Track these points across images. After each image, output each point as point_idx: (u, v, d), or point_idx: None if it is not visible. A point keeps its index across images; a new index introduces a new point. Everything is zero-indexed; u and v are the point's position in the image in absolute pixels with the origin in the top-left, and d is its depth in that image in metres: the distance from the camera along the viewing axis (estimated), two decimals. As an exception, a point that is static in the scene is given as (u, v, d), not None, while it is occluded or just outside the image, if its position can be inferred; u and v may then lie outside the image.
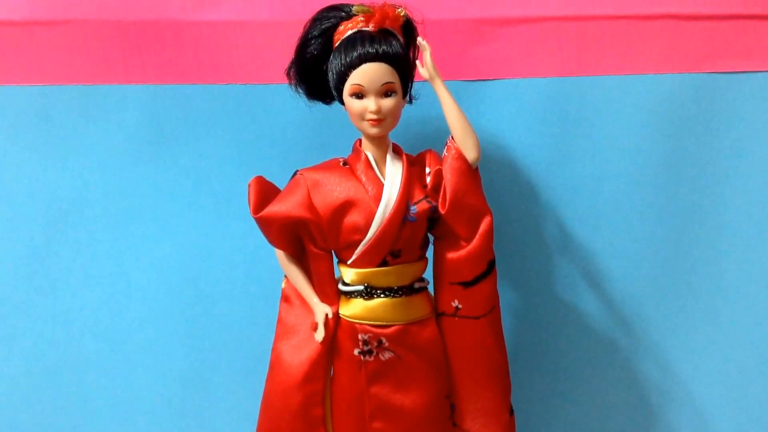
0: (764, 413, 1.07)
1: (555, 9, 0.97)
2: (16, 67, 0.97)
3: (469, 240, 0.83)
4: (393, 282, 0.84)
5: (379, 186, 0.81)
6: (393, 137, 0.85)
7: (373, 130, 0.80)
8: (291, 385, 0.85)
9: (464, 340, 0.86)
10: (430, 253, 0.88)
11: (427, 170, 0.84)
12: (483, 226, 0.83)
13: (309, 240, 0.83)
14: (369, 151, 0.83)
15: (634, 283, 1.04)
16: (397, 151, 0.84)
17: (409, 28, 0.83)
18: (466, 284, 0.84)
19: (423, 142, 0.91)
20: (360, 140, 0.85)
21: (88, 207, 1.02)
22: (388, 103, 0.79)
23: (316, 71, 0.83)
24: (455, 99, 0.82)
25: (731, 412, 1.07)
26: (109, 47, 0.97)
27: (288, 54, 0.84)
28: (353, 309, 0.84)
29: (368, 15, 0.79)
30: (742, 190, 1.01)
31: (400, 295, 0.84)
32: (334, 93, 0.82)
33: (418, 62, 0.83)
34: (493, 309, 0.86)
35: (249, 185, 0.83)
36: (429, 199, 0.83)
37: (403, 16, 0.81)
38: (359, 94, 0.79)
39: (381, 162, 0.83)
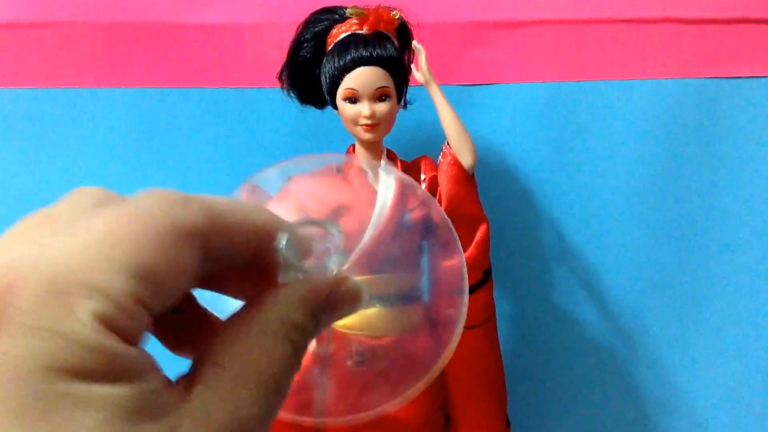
0: (766, 427, 1.06)
1: (553, 12, 0.96)
2: (1, 69, 0.95)
3: (464, 248, 0.82)
4: (388, 289, 0.82)
5: (373, 192, 0.80)
6: (387, 143, 0.84)
7: (367, 136, 0.79)
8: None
9: (459, 350, 0.84)
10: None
11: (422, 177, 0.83)
12: (479, 234, 0.82)
13: (301, 247, 0.82)
14: (362, 156, 0.82)
15: (634, 293, 1.03)
16: (392, 157, 0.83)
17: (404, 31, 0.82)
18: (462, 293, 0.83)
19: (418, 147, 0.90)
20: (353, 145, 0.84)
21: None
22: (382, 107, 0.78)
23: (308, 75, 0.82)
24: (451, 104, 0.81)
25: (731, 425, 1.06)
26: (97, 50, 0.95)
27: (280, 57, 0.82)
28: (347, 319, 0.82)
29: (362, 18, 0.77)
30: (744, 197, 1.00)
31: (396, 304, 0.83)
32: (327, 97, 0.81)
33: (413, 66, 0.82)
34: (489, 319, 0.85)
35: (240, 191, 0.81)
36: (423, 206, 0.82)
37: (398, 18, 0.80)
38: (353, 99, 0.77)
39: (375, 168, 0.82)
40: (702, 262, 1.02)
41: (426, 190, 0.82)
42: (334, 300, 0.24)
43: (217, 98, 0.97)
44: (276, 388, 0.21)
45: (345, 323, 0.82)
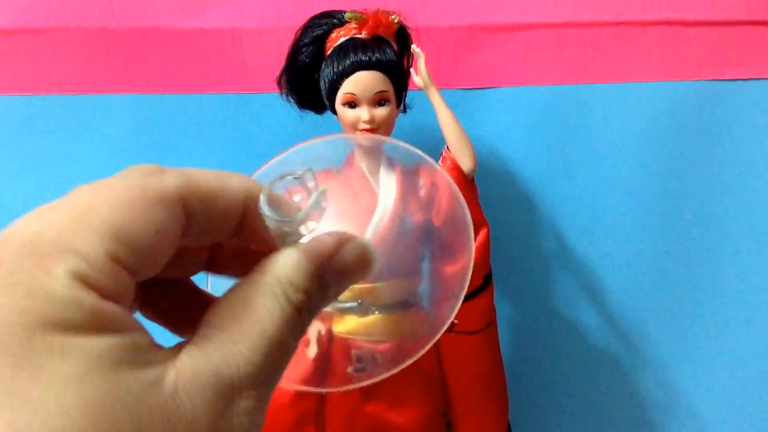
0: (767, 429, 1.05)
1: (553, 15, 0.95)
2: (-1, 76, 0.95)
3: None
4: (388, 297, 0.82)
5: (374, 195, 0.80)
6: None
7: (367, 141, 0.79)
8: (283, 403, 0.83)
9: (460, 356, 0.84)
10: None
11: (422, 181, 0.83)
12: (479, 238, 0.82)
13: (301, 253, 0.82)
14: (362, 161, 0.81)
15: (635, 297, 1.03)
16: (391, 162, 0.83)
17: (403, 35, 0.82)
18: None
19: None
20: (353, 151, 0.83)
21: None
22: (381, 112, 0.77)
23: (307, 80, 0.81)
24: (450, 108, 0.80)
25: (733, 427, 1.06)
26: (95, 56, 0.95)
27: (279, 62, 0.82)
28: (347, 325, 0.82)
29: (361, 22, 0.77)
30: (745, 200, 1.00)
31: (395, 311, 0.82)
32: (326, 102, 0.81)
33: (412, 70, 0.82)
34: (490, 324, 0.85)
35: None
36: (424, 211, 0.81)
37: (397, 22, 0.79)
38: (352, 103, 0.77)
39: (375, 173, 0.82)
40: (703, 264, 1.02)
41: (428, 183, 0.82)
42: (341, 261, 0.24)
43: (216, 104, 0.97)
44: (275, 349, 0.20)
45: (346, 329, 0.81)
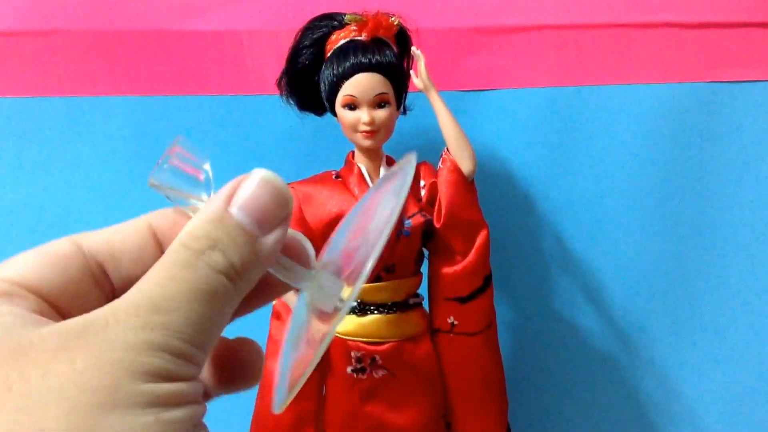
0: (769, 433, 1.05)
1: (552, 17, 0.95)
2: (-1, 78, 0.95)
3: (464, 254, 0.82)
4: (387, 298, 0.82)
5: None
6: (387, 149, 0.84)
7: (367, 142, 0.78)
8: (282, 404, 0.83)
9: (460, 357, 0.84)
10: (425, 268, 0.86)
11: (422, 183, 0.83)
12: (479, 240, 0.82)
13: (300, 254, 0.82)
14: (362, 163, 0.82)
15: (635, 298, 1.03)
16: (391, 164, 0.83)
17: (403, 37, 0.82)
18: (462, 300, 0.83)
19: (417, 154, 0.89)
20: (353, 152, 0.83)
21: (74, 220, 0.99)
22: (381, 114, 0.77)
23: (307, 82, 0.81)
24: (450, 110, 0.80)
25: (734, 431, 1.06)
26: (95, 58, 0.95)
27: (279, 64, 0.82)
28: (346, 326, 0.82)
29: (361, 24, 0.77)
30: (745, 201, 1.00)
31: (395, 312, 0.82)
32: (326, 104, 0.81)
33: (412, 72, 0.82)
34: (490, 325, 0.85)
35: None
36: (424, 212, 0.81)
37: (397, 24, 0.79)
38: (352, 105, 0.77)
39: (374, 175, 0.82)
40: (703, 266, 1.02)
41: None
42: (241, 197, 0.23)
43: (216, 106, 0.97)
44: (166, 280, 0.21)
45: (345, 330, 0.81)
